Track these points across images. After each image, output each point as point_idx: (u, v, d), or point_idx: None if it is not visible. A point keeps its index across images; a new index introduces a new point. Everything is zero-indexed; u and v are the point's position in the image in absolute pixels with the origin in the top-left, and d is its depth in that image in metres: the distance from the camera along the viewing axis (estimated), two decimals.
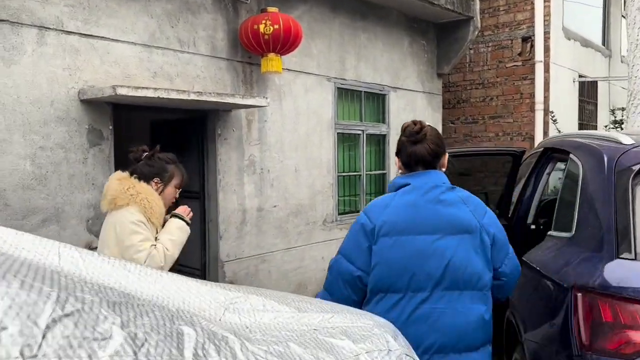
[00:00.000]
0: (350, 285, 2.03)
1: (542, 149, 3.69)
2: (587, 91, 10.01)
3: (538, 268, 2.57)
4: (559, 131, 7.81)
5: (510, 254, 2.08)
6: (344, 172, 6.58)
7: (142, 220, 2.48)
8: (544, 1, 8.35)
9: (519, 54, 8.69)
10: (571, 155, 2.80)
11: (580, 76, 9.47)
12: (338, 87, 6.35)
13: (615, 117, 9.90)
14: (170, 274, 1.30)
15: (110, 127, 4.23)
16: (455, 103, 9.37)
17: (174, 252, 2.54)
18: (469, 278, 1.93)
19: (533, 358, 2.46)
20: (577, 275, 2.11)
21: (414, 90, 7.54)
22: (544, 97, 8.42)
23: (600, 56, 10.70)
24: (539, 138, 8.21)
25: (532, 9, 8.45)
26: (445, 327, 1.91)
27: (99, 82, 4.08)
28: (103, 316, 0.75)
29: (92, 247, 3.80)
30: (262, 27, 4.82)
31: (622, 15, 11.55)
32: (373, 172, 7.00)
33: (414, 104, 7.55)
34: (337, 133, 6.39)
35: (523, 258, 2.87)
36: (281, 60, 5.08)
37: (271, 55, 4.99)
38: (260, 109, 5.36)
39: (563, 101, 8.93)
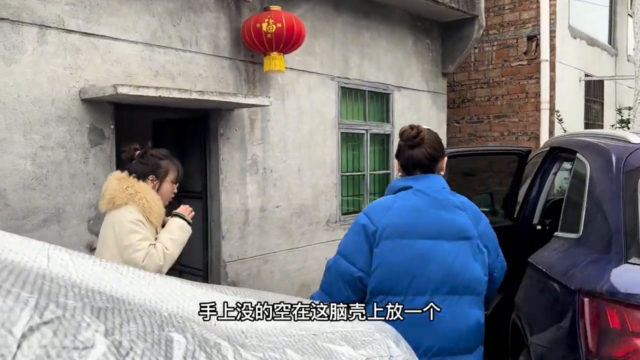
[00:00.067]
0: (350, 286, 2.02)
1: (548, 148, 3.64)
2: (593, 90, 9.93)
3: (544, 270, 2.52)
4: (565, 131, 7.74)
5: (500, 257, 2.16)
6: (347, 172, 6.54)
7: (141, 219, 2.45)
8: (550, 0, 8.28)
9: (525, 53, 8.62)
10: (578, 155, 2.74)
11: (586, 75, 9.39)
12: (341, 86, 6.31)
13: (621, 116, 9.80)
14: (164, 276, 1.26)
15: (112, 127, 4.20)
16: (460, 102, 9.30)
17: (174, 251, 2.50)
18: (467, 283, 1.97)
19: None
20: (584, 279, 2.05)
21: (418, 90, 7.48)
22: (550, 96, 8.34)
23: (607, 55, 10.61)
24: (544, 137, 8.14)
25: (538, 7, 8.38)
26: (445, 331, 1.93)
27: (100, 81, 4.06)
28: (86, 323, 0.71)
29: (93, 248, 3.77)
30: (264, 25, 4.78)
31: (629, 14, 11.46)
32: (377, 172, 6.95)
33: (418, 103, 7.49)
34: (341, 132, 6.34)
35: (529, 259, 2.82)
36: (284, 59, 5.05)
37: (274, 54, 4.95)
38: (263, 108, 5.32)
39: (569, 100, 8.85)
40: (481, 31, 7.69)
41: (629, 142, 2.35)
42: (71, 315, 0.71)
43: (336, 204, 6.30)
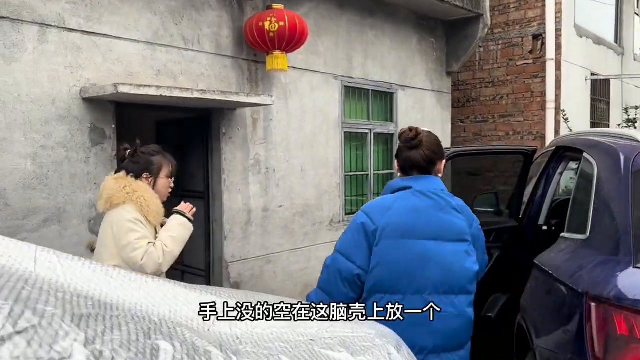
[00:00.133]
0: (349, 284, 2.06)
1: (554, 147, 3.58)
2: (600, 89, 9.83)
3: (550, 272, 2.46)
4: (571, 130, 7.66)
5: (485, 257, 2.28)
6: (351, 171, 6.49)
7: (139, 218, 2.42)
8: None
9: (530, 52, 8.54)
10: (585, 154, 2.68)
11: (592, 74, 9.30)
12: (345, 86, 6.26)
13: (628, 115, 9.72)
14: (156, 279, 1.22)
15: (113, 126, 4.17)
16: (465, 102, 9.23)
17: (174, 249, 2.46)
18: (463, 283, 2.04)
19: None
20: (591, 283, 2.00)
21: (422, 89, 7.42)
22: (556, 95, 8.26)
23: (613, 54, 10.51)
24: (550, 137, 8.06)
25: (543, 6, 8.30)
26: (442, 330, 2.00)
27: (102, 80, 4.03)
28: (64, 332, 0.67)
29: (93, 248, 3.74)
30: (267, 24, 4.74)
31: (635, 13, 11.37)
32: (381, 172, 6.90)
33: (422, 102, 7.44)
34: (344, 132, 6.29)
35: (535, 260, 2.76)
36: (287, 58, 5.00)
37: (277, 53, 4.91)
38: (265, 108, 5.28)
39: (575, 99, 8.77)
40: (486, 30, 7.62)
41: (638, 141, 2.29)
42: (48, 323, 0.67)
43: (339, 204, 6.25)
